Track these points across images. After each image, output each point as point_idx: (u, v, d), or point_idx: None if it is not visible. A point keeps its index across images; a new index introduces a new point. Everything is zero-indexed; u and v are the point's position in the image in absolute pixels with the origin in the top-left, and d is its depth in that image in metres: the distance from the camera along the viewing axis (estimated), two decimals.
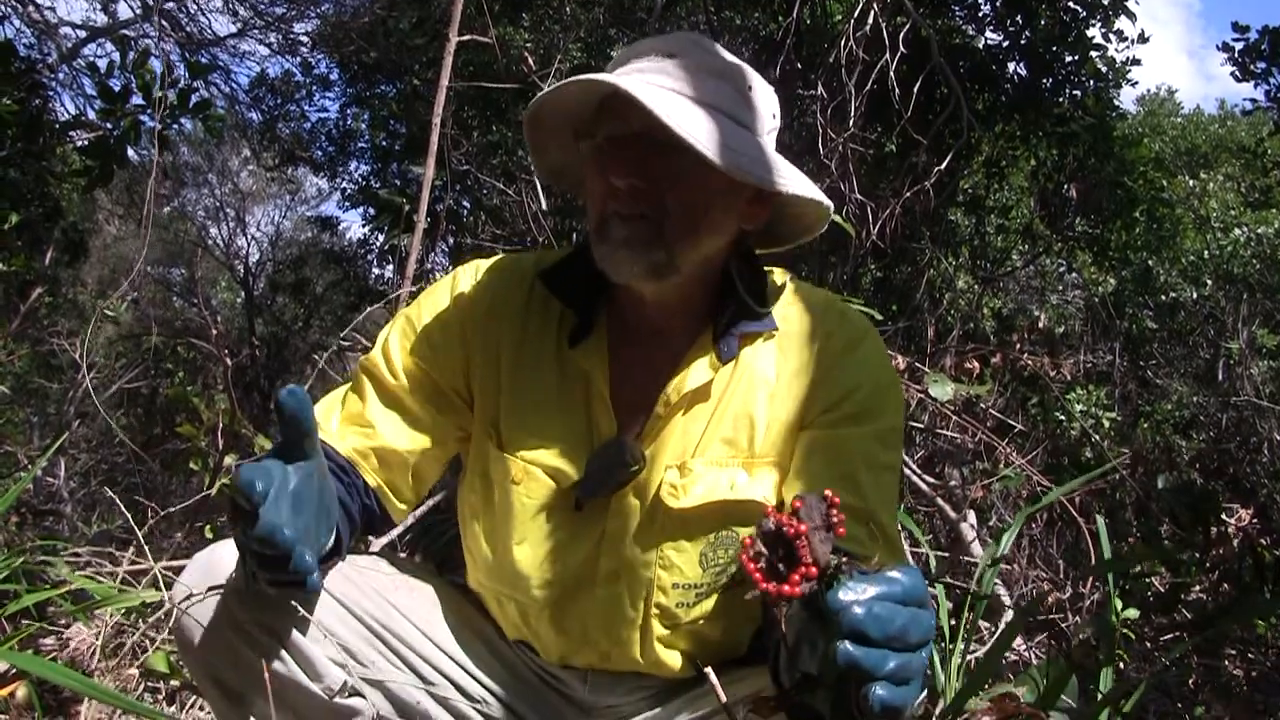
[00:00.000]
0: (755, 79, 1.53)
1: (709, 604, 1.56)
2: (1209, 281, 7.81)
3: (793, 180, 1.48)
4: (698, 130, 1.37)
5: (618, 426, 1.54)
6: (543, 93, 1.45)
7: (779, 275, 1.63)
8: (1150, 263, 7.45)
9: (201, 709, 2.63)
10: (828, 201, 1.54)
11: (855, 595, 1.04)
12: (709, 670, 1.26)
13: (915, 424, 3.92)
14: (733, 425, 1.53)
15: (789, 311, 1.58)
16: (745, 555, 1.07)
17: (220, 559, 1.46)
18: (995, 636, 2.73)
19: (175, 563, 2.98)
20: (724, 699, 1.25)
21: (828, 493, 1.08)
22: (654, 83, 1.43)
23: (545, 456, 1.54)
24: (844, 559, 1.08)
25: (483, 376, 1.59)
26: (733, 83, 1.49)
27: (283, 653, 1.44)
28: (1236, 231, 7.89)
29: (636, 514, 1.53)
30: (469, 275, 1.64)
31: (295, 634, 1.44)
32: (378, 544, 2.83)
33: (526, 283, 1.61)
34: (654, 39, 1.52)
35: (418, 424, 1.59)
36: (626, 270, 1.45)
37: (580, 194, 1.67)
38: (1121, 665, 2.61)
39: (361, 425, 1.57)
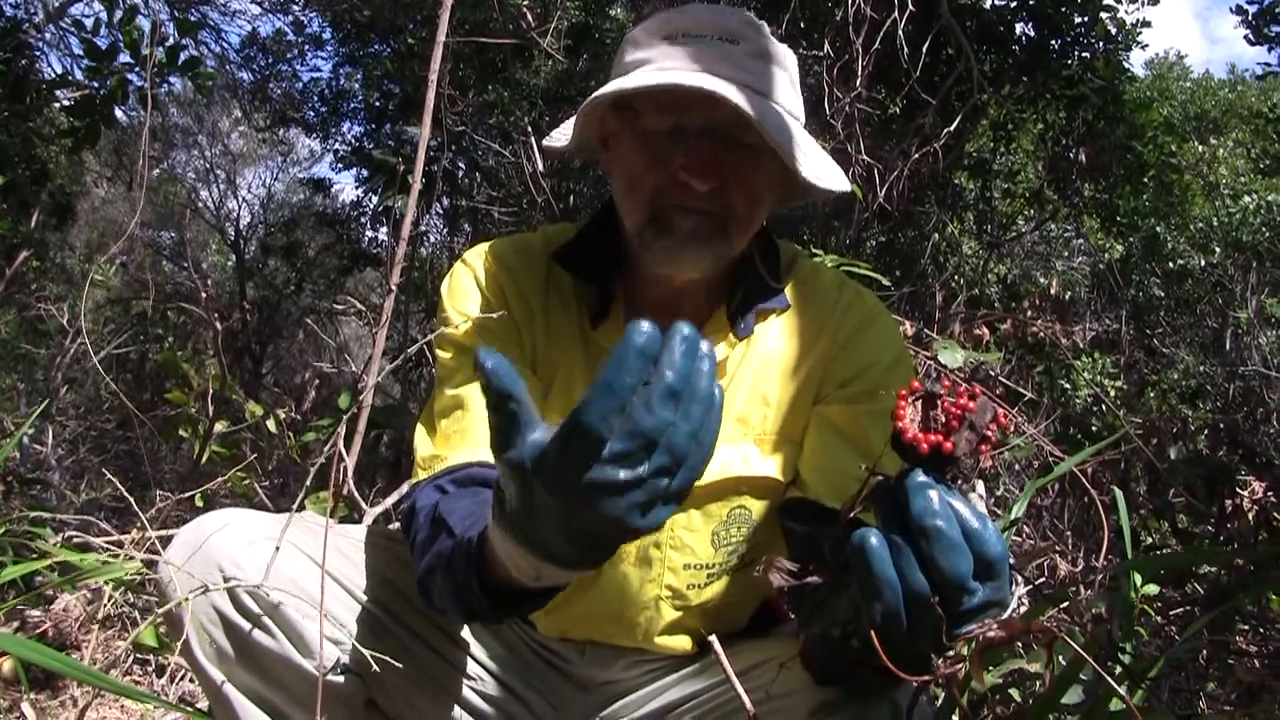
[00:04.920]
0: (792, 61, 1.51)
1: (720, 585, 1.54)
2: (1217, 249, 7.78)
3: (834, 176, 1.47)
4: (783, 138, 1.36)
5: None
6: (636, 87, 1.37)
7: (789, 249, 1.62)
8: (1158, 229, 7.41)
9: (191, 681, 2.59)
10: (849, 188, 1.53)
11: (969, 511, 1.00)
12: (714, 640, 1.21)
13: None
14: (745, 402, 1.51)
15: (800, 288, 1.57)
16: (903, 392, 1.03)
17: (207, 530, 1.42)
18: (1008, 611, 2.66)
19: (165, 532, 2.93)
20: (730, 672, 1.19)
21: (1000, 411, 1.02)
22: (725, 74, 1.38)
23: None
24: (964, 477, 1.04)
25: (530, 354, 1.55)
26: (786, 70, 1.48)
27: (273, 628, 1.40)
28: (1246, 199, 7.84)
29: None
30: (479, 265, 1.57)
31: (286, 609, 1.39)
32: (370, 514, 2.77)
33: (542, 264, 1.57)
34: (703, 9, 1.47)
35: (536, 395, 1.50)
36: (693, 265, 1.43)
37: (585, 158, 1.66)
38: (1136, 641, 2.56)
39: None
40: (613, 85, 1.40)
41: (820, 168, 1.45)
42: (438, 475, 1.43)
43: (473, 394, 1.48)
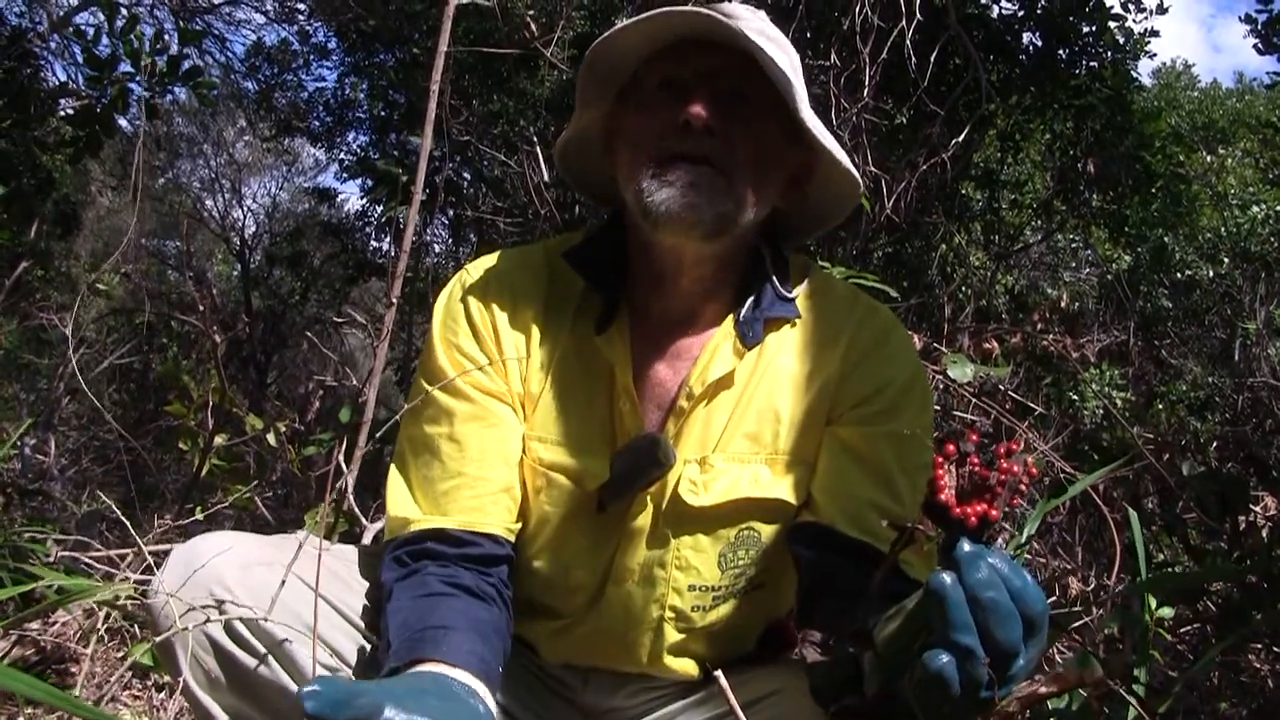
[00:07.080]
0: (794, 53, 1.49)
1: (726, 608, 1.49)
2: (1226, 259, 7.74)
3: (843, 157, 1.44)
4: (781, 77, 1.34)
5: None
6: (620, 26, 1.37)
7: (799, 260, 1.57)
8: (1166, 240, 7.36)
9: None
10: (860, 188, 1.51)
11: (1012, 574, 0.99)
12: (720, 675, 1.17)
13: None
14: (756, 419, 1.45)
15: (812, 301, 1.52)
16: (940, 457, 1.00)
17: (199, 553, 1.38)
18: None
19: (162, 546, 2.91)
20: (736, 706, 1.17)
21: (1030, 460, 1.00)
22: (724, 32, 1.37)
23: (567, 460, 1.45)
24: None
25: (519, 378, 1.51)
26: (789, 57, 1.44)
27: (268, 656, 1.36)
28: (1255, 209, 7.81)
29: (653, 512, 1.45)
30: (473, 289, 1.53)
31: (278, 634, 1.35)
32: (371, 530, 2.73)
33: (543, 274, 1.53)
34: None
35: (511, 442, 1.47)
36: (691, 218, 1.36)
37: (586, 182, 1.64)
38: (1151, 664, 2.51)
39: (469, 482, 1.44)
40: (609, 32, 1.40)
41: (822, 130, 1.43)
42: (400, 544, 1.41)
43: (443, 441, 1.45)
